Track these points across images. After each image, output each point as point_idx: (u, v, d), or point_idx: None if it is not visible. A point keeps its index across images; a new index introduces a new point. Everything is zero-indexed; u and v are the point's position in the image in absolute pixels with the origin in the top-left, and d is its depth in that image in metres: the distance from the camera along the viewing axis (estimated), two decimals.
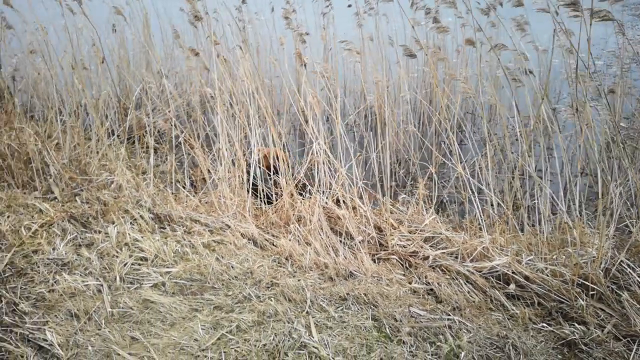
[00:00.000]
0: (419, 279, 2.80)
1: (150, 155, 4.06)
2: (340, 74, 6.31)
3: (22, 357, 2.30)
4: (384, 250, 3.12)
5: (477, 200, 3.37)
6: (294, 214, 3.46)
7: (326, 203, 3.49)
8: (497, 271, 2.81)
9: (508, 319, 2.53)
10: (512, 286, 2.70)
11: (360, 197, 3.48)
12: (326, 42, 5.89)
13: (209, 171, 3.87)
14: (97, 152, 4.26)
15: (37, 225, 3.22)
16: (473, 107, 6.08)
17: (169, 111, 4.74)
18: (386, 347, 2.28)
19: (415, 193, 3.67)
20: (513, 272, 2.77)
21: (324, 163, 3.57)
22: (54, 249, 3.02)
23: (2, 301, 2.66)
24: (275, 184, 3.76)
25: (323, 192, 3.60)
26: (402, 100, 5.25)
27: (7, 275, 2.85)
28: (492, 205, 3.41)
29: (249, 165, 3.84)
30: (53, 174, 3.89)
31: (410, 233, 3.24)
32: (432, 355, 2.26)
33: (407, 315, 2.50)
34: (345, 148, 3.60)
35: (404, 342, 2.30)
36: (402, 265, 2.99)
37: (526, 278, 2.73)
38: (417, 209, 3.45)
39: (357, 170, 3.52)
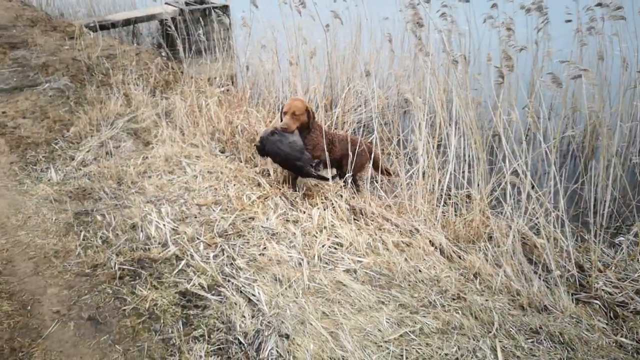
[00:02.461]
0: (628, 333, 2.51)
1: None
2: (548, 94, 5.88)
3: (236, 304, 2.74)
4: (585, 292, 2.87)
5: None
6: (485, 232, 3.39)
7: (523, 227, 3.34)
8: None
9: None
10: None
11: (562, 229, 3.25)
12: (536, 59, 5.55)
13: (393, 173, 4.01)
14: None
15: (255, 196, 3.75)
16: None
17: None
18: None
19: (629, 235, 3.27)
20: None
21: (520, 185, 3.41)
22: (267, 219, 3.48)
23: (224, 254, 3.18)
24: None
25: (518, 215, 3.44)
26: (618, 129, 4.68)
27: (229, 233, 3.39)
28: None
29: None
30: None
31: (619, 280, 2.91)
32: None
33: None
34: (547, 172, 3.39)
35: None
36: (606, 313, 2.71)
37: None
38: (631, 254, 3.07)
39: (562, 199, 3.28)
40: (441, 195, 3.81)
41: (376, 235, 3.34)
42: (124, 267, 2.99)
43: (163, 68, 6.43)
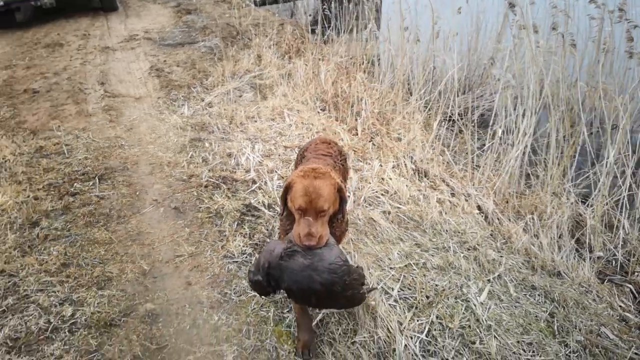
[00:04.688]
0: None
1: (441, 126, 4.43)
2: None
3: None
4: (622, 276, 2.78)
5: None
6: (538, 207, 3.39)
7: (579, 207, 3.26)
8: None
9: None
10: None
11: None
12: None
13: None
14: (400, 113, 5.03)
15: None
16: None
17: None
18: (543, 342, 2.22)
19: None
20: None
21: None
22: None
23: None
24: None
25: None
26: None
27: None
28: None
29: None
30: (362, 115, 4.88)
31: None
32: None
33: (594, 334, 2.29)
34: None
35: (566, 345, 2.18)
36: (635, 297, 2.63)
37: None
38: None
39: None
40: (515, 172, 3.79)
41: (425, 190, 3.58)
42: (211, 180, 3.76)
43: (298, 37, 7.19)
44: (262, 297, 2.24)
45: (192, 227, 3.24)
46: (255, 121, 4.84)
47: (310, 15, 11.24)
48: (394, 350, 2.23)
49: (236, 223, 3.24)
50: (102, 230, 3.18)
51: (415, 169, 4.00)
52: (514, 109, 3.66)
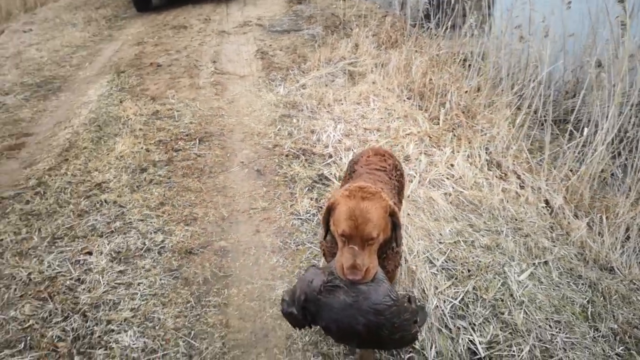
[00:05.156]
0: None
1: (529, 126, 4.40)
2: None
3: None
4: None
5: None
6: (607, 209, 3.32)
7: None
8: None
9: None
10: None
11: None
12: None
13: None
14: (485, 105, 5.05)
15: (409, 132, 4.43)
16: None
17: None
18: (572, 323, 2.28)
19: None
20: None
21: None
22: (408, 148, 4.16)
23: None
24: None
25: None
26: None
27: None
28: None
29: None
30: (447, 106, 4.99)
31: None
32: None
33: (632, 325, 2.29)
34: None
35: (596, 329, 2.22)
36: None
37: None
38: None
39: None
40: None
41: (492, 179, 3.65)
42: (292, 150, 4.16)
43: (397, 29, 7.39)
44: (296, 328, 1.89)
45: (269, 187, 3.66)
46: (342, 104, 5.17)
47: (417, 9, 11.30)
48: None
49: (307, 188, 3.61)
50: (195, 181, 3.73)
51: (489, 159, 4.06)
52: (603, 109, 3.58)
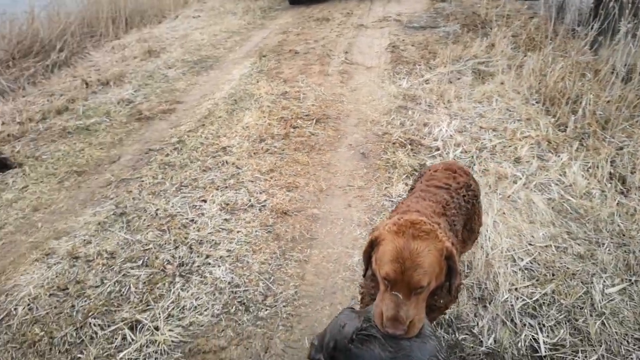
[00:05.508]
0: None
1: None
2: None
3: None
4: None
5: None
6: None
7: None
8: None
9: None
10: None
11: None
12: None
13: None
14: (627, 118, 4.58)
15: (526, 135, 4.25)
16: None
17: None
18: None
19: None
20: None
21: None
22: (520, 150, 4.01)
23: (467, 157, 3.99)
24: None
25: None
26: None
27: (486, 148, 4.12)
28: None
29: None
30: (579, 113, 4.64)
31: None
32: None
33: None
34: None
35: None
36: None
37: None
38: None
39: None
40: None
41: (608, 192, 3.37)
42: (400, 139, 4.28)
43: (542, 32, 6.96)
44: None
45: (369, 169, 3.84)
46: (462, 101, 5.11)
47: (576, 13, 10.42)
48: (491, 301, 2.43)
49: (405, 175, 3.71)
50: (305, 155, 4.07)
51: (613, 172, 3.74)
52: None
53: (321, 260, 2.83)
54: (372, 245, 1.55)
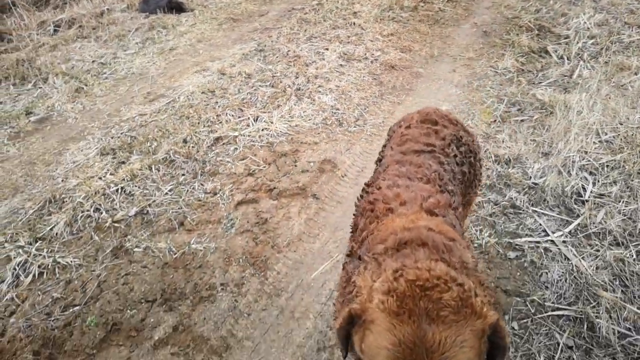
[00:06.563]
0: None
1: None
2: None
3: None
4: None
5: None
6: None
7: None
8: None
9: None
10: None
11: None
12: None
13: None
14: None
15: None
16: None
17: None
18: None
19: None
20: None
21: None
22: None
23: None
24: None
25: None
26: None
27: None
28: None
29: None
30: None
31: None
32: None
33: None
34: None
35: None
36: None
37: None
38: None
39: None
40: None
41: None
42: (528, 24, 4.25)
43: None
44: None
45: (485, 45, 3.99)
46: None
47: None
48: (555, 155, 2.65)
49: (520, 54, 3.80)
50: (427, 27, 4.32)
51: None
52: None
53: (411, 105, 3.24)
54: (350, 322, 0.94)
